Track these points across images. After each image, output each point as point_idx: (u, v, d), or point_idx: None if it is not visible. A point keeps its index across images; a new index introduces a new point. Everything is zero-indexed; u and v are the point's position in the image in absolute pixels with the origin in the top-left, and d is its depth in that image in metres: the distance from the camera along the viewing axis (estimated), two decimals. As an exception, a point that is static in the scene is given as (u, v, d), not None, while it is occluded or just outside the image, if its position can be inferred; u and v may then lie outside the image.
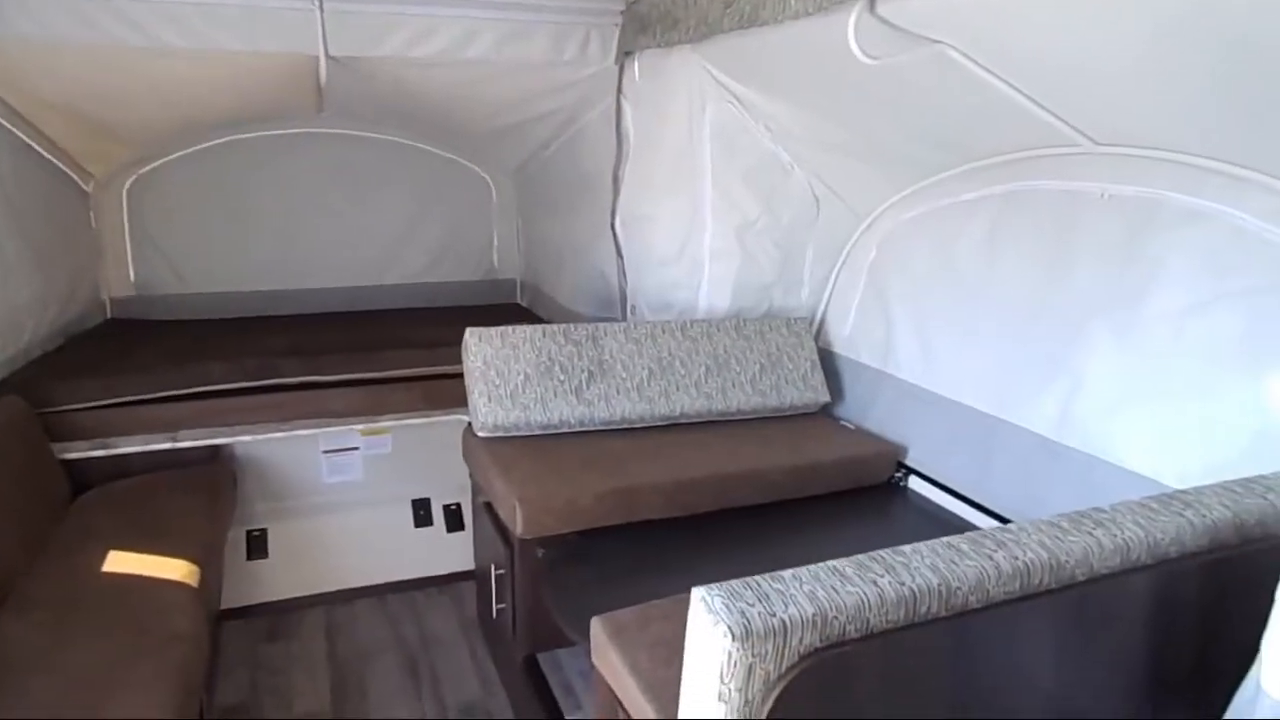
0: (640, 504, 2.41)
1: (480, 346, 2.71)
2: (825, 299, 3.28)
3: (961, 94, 2.18)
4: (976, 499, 2.55)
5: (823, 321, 3.30)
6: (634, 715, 1.59)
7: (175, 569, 2.36)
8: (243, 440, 3.11)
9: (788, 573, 1.23)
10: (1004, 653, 1.31)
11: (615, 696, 1.67)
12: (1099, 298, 2.26)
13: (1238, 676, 1.29)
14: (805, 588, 1.20)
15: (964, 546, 1.32)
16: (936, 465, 2.72)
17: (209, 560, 2.52)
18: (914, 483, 2.79)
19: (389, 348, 3.41)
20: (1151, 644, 1.43)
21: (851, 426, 3.02)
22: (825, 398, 3.08)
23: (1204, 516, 1.46)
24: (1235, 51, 1.58)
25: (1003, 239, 2.57)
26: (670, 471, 2.49)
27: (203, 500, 2.85)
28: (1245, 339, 1.90)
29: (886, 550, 1.30)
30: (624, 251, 3.44)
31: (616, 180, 3.39)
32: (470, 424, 2.74)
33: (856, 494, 2.72)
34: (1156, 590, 1.41)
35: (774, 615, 1.14)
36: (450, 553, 3.43)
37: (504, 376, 2.69)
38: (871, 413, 3.02)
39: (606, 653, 1.71)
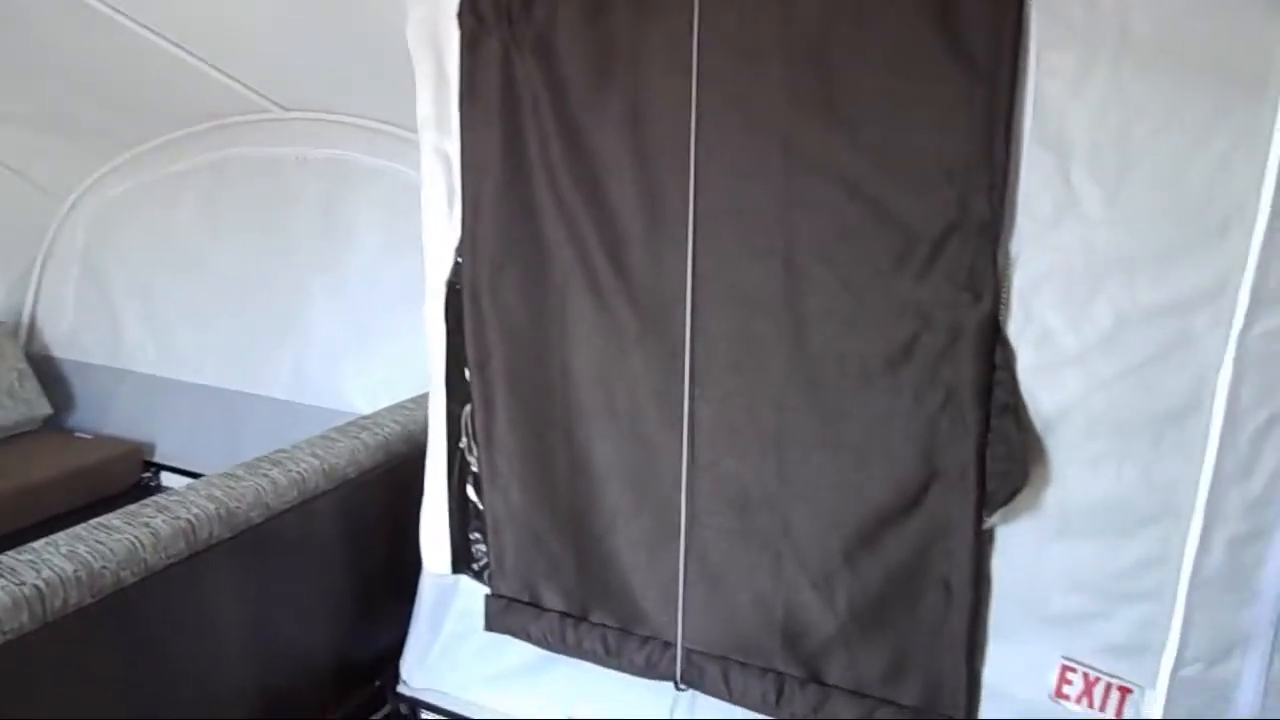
0: None
1: None
2: (32, 296, 2.79)
3: (136, 58, 2.00)
4: (233, 479, 2.46)
5: (33, 323, 2.81)
6: None
7: None
8: None
9: None
10: (184, 613, 1.24)
11: None
12: (313, 257, 2.34)
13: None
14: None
15: (117, 521, 1.22)
16: (188, 454, 2.54)
17: None
18: (168, 479, 2.57)
19: None
20: (348, 557, 1.52)
21: (88, 436, 2.65)
22: (45, 410, 2.63)
23: (378, 435, 1.59)
24: (347, 9, 1.73)
25: (220, 209, 2.50)
26: None
27: None
28: (406, 282, 2.05)
29: (11, 552, 1.12)
30: None
31: None
32: None
33: (100, 505, 2.38)
34: (341, 510, 1.49)
35: None
36: None
37: None
38: (110, 416, 2.68)
39: None
